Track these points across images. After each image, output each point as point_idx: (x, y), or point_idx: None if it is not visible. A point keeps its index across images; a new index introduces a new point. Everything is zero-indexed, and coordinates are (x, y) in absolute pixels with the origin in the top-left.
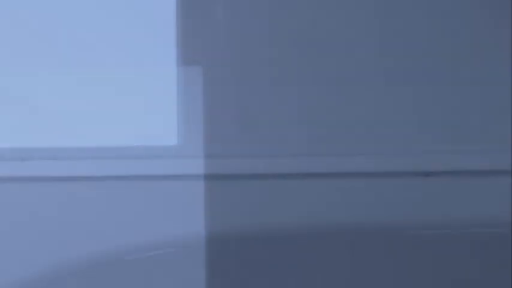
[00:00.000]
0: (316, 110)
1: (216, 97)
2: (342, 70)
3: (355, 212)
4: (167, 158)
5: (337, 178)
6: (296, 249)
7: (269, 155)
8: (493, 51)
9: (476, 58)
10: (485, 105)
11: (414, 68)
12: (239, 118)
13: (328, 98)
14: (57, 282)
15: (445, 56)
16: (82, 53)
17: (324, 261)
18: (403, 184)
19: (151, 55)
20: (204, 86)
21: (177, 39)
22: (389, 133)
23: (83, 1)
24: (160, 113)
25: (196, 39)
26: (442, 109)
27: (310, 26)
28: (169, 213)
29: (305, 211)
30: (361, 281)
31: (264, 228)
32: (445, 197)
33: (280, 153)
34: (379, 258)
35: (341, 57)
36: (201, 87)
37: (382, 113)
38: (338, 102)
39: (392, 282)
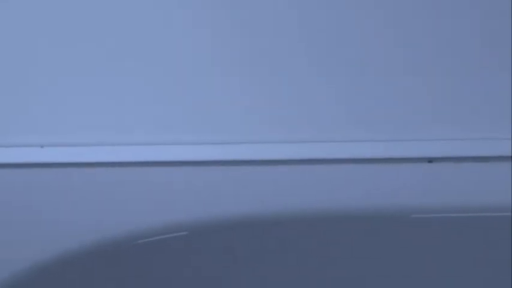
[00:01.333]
0: (321, 97)
1: None
2: (346, 57)
3: (362, 197)
4: (183, 144)
5: (343, 164)
6: (303, 234)
7: (280, 141)
8: (493, 40)
9: (478, 47)
10: (487, 95)
11: (418, 57)
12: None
13: (336, 85)
14: (73, 264)
15: (448, 45)
16: None
17: (330, 246)
18: (408, 169)
19: None
20: None
21: None
22: (395, 121)
23: None
24: None
25: None
26: (445, 98)
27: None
28: (182, 198)
29: (312, 196)
30: (366, 263)
31: (278, 213)
32: (448, 182)
33: (288, 140)
34: (384, 241)
35: (344, 45)
36: None
37: (387, 102)
38: (344, 89)
39: (396, 264)
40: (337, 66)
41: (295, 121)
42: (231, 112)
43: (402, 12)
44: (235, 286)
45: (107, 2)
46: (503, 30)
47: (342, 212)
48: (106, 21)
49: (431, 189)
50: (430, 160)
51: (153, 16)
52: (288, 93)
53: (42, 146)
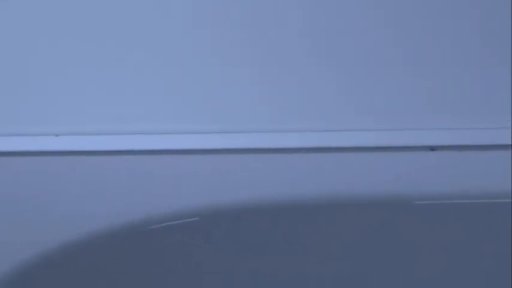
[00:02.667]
0: (327, 89)
1: None
2: (351, 51)
3: (366, 184)
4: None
5: (348, 152)
6: (308, 220)
7: (286, 131)
8: (494, 34)
9: (479, 41)
10: (487, 87)
11: (421, 51)
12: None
13: (342, 77)
14: (90, 248)
15: (450, 39)
16: None
17: (335, 231)
18: (411, 157)
19: None
20: None
21: None
22: (399, 111)
23: None
24: None
25: None
26: (447, 89)
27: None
28: (192, 185)
29: (318, 183)
30: (370, 248)
31: (284, 199)
32: (449, 169)
33: (294, 129)
34: (387, 227)
35: (349, 39)
36: None
37: (391, 93)
38: (349, 81)
39: (400, 249)
40: (342, 59)
41: (301, 111)
42: (240, 102)
43: (405, 7)
44: (244, 269)
45: None
46: (503, 25)
47: (346, 199)
48: (118, 13)
49: (434, 177)
50: (433, 148)
51: (164, 9)
52: (295, 85)
53: (57, 135)
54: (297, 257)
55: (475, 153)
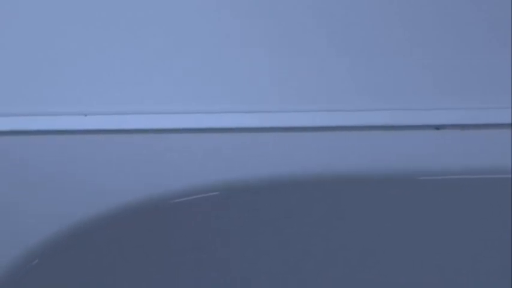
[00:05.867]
0: (336, 71)
1: None
2: (358, 34)
3: (374, 161)
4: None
5: (357, 130)
6: (320, 195)
7: (298, 110)
8: (495, 17)
9: (481, 24)
10: (489, 68)
11: (426, 34)
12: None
13: (350, 59)
14: (117, 222)
15: (454, 22)
16: None
17: (345, 206)
18: (417, 136)
19: None
20: None
21: None
22: (405, 92)
23: None
24: None
25: None
26: (451, 71)
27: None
28: (213, 161)
29: (328, 160)
30: (378, 222)
31: (297, 176)
32: (453, 147)
33: (305, 109)
34: (394, 201)
35: (357, 22)
36: None
37: (398, 74)
38: (358, 63)
39: (406, 222)
40: (351, 42)
41: (312, 92)
42: (256, 84)
43: None
44: (260, 240)
45: None
46: (503, 8)
47: (355, 175)
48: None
49: (439, 154)
50: (437, 127)
51: None
52: (305, 67)
53: (85, 115)
54: (308, 229)
55: (478, 132)
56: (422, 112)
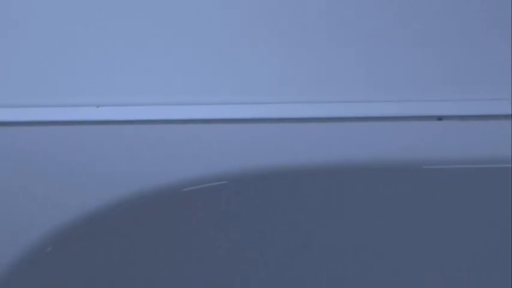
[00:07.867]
0: (342, 64)
1: None
2: (363, 29)
3: (379, 150)
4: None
5: (362, 121)
6: (327, 183)
7: (306, 102)
8: (494, 12)
9: (481, 18)
10: (490, 61)
11: (428, 28)
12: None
13: (355, 53)
14: (130, 208)
15: (456, 17)
16: None
17: (351, 193)
18: (420, 126)
19: None
20: None
21: None
22: (409, 84)
23: None
24: None
25: None
26: (453, 64)
27: None
28: (222, 152)
29: (335, 149)
30: (383, 209)
31: (305, 164)
32: (455, 137)
33: (313, 100)
34: (398, 189)
35: (362, 17)
36: None
37: (402, 67)
38: (363, 57)
39: (409, 208)
40: (355, 35)
41: (316, 84)
42: (265, 76)
43: None
44: (269, 226)
45: None
46: (503, 2)
47: (359, 164)
48: None
49: (441, 144)
50: (440, 118)
51: None
52: (310, 60)
53: (97, 106)
54: (314, 217)
55: (479, 123)
56: (424, 103)
